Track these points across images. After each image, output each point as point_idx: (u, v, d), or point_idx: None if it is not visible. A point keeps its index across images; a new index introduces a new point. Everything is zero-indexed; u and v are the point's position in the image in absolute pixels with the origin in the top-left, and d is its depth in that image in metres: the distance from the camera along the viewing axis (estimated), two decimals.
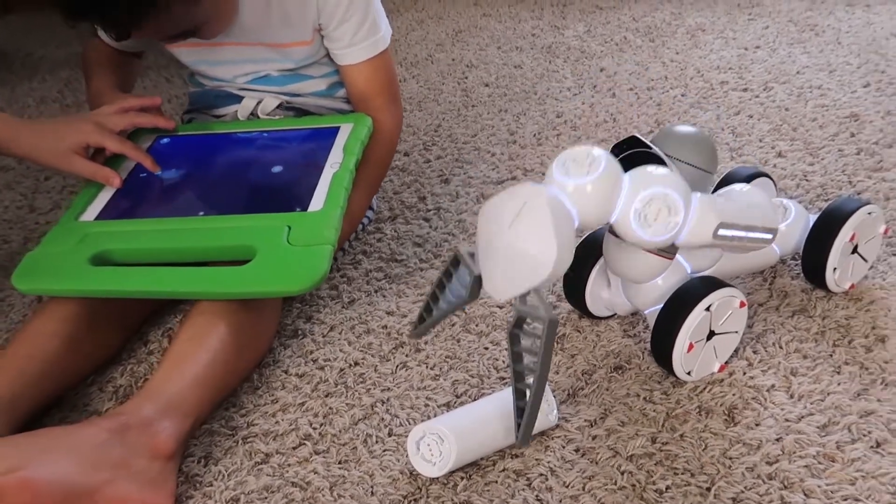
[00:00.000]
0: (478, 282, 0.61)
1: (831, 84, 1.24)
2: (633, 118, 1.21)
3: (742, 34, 1.50)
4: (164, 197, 0.86)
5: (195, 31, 0.82)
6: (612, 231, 0.68)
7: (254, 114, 0.96)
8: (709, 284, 0.67)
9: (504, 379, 0.73)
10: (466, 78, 1.45)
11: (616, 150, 0.69)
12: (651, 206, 0.60)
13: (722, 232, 0.63)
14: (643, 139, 0.67)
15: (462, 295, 0.62)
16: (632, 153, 0.67)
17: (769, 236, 0.68)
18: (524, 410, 0.58)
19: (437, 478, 0.63)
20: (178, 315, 0.87)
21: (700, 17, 1.61)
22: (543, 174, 1.07)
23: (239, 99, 0.96)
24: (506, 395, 0.64)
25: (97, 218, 0.83)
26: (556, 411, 0.66)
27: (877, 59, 1.32)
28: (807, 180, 0.99)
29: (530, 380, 0.58)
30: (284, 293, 0.74)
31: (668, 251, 0.68)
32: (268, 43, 0.89)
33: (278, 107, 0.96)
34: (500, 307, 0.81)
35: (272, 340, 0.79)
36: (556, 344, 0.76)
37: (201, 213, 0.81)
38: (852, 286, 0.78)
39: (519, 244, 0.57)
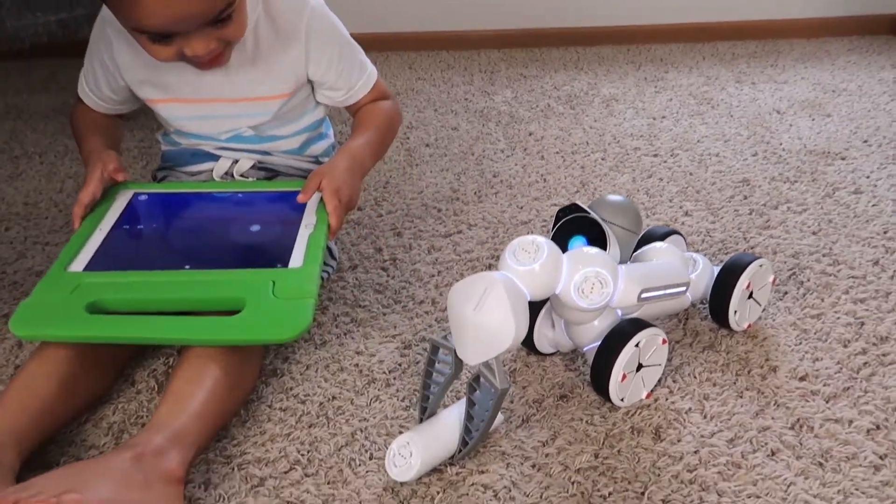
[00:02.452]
0: (458, 357, 0.74)
1: (726, 152, 1.44)
2: (561, 179, 1.37)
3: (650, 105, 1.70)
4: (148, 250, 0.93)
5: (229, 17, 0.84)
6: None
7: (228, 173, 1.06)
8: (637, 325, 0.81)
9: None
10: (408, 138, 1.58)
11: (561, 214, 0.83)
12: (587, 281, 0.74)
13: (644, 295, 0.78)
14: (583, 206, 0.81)
15: (448, 372, 0.75)
16: (574, 217, 0.82)
17: (683, 289, 0.83)
18: (467, 443, 0.74)
19: (416, 490, 0.73)
20: (160, 358, 0.94)
21: (613, 88, 1.81)
22: (486, 228, 1.21)
23: (214, 157, 1.06)
24: (459, 407, 0.77)
25: (86, 269, 0.89)
26: (501, 416, 0.80)
27: (762, 131, 1.53)
28: (710, 236, 1.16)
29: (479, 423, 0.72)
30: (274, 341, 0.83)
31: None
32: (249, 97, 0.99)
33: (251, 167, 1.06)
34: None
35: (256, 379, 0.88)
36: (508, 377, 0.88)
37: (187, 267, 0.89)
38: (749, 326, 0.94)
39: (484, 323, 0.70)
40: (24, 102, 1.90)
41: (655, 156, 1.45)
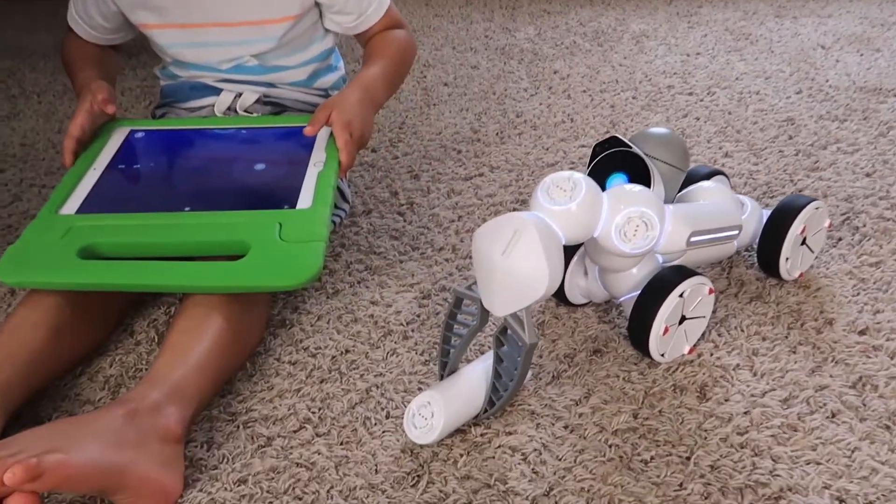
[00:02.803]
0: (485, 308, 0.66)
1: (768, 90, 1.34)
2: (589, 119, 1.27)
3: (683, 41, 1.59)
4: (145, 191, 0.87)
5: None
6: None
7: (231, 108, 0.98)
8: (681, 273, 0.73)
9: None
10: (425, 77, 1.48)
11: (598, 149, 0.74)
12: (630, 223, 0.66)
13: (694, 239, 0.70)
14: (623, 139, 0.73)
15: (473, 324, 0.68)
16: (612, 152, 0.73)
17: (735, 233, 0.75)
18: (494, 403, 0.67)
19: (437, 452, 0.67)
20: (161, 307, 0.88)
21: (643, 24, 1.70)
22: (509, 170, 1.13)
23: (215, 91, 0.97)
24: (484, 362, 0.70)
25: (79, 211, 0.82)
26: (529, 371, 0.73)
27: (806, 67, 1.42)
28: (753, 179, 1.07)
29: (508, 382, 0.66)
30: (281, 288, 0.76)
31: None
32: (250, 21, 0.90)
33: (256, 101, 0.97)
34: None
35: (264, 330, 0.82)
36: (537, 330, 0.81)
37: (187, 209, 0.82)
38: (801, 275, 0.85)
39: (514, 270, 0.62)
40: (23, 41, 1.82)
41: (691, 94, 1.35)
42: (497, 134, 1.24)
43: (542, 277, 0.61)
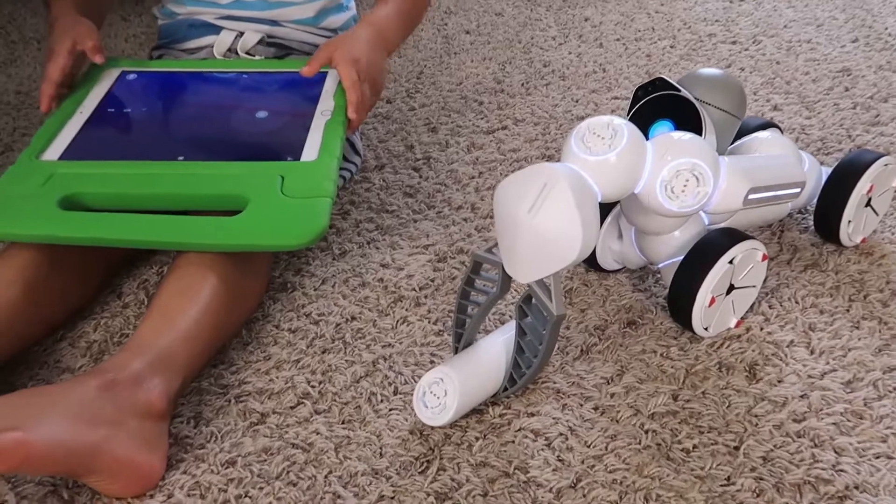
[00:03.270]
0: (507, 274, 0.58)
1: (820, 38, 1.23)
2: (622, 69, 1.17)
3: None
4: (135, 137, 0.81)
5: None
6: None
7: (232, 50, 0.89)
8: (732, 236, 0.64)
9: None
10: (446, 24, 1.38)
11: (640, 92, 0.65)
12: (679, 177, 0.57)
13: (752, 196, 0.61)
14: (671, 81, 0.63)
15: (493, 292, 0.60)
16: (657, 96, 0.64)
17: (797, 190, 0.66)
18: (516, 381, 0.60)
19: (450, 434, 0.59)
20: (153, 266, 0.81)
21: None
22: (535, 123, 1.04)
23: (215, 30, 0.89)
24: (504, 334, 0.62)
25: (62, 157, 0.75)
26: None
27: (862, 14, 1.30)
28: (806, 133, 0.97)
29: (531, 357, 0.59)
30: (281, 247, 0.69)
31: None
32: None
33: (258, 42, 0.89)
34: None
35: (262, 294, 0.74)
36: (565, 298, 0.72)
37: (180, 158, 0.75)
38: (864, 240, 0.76)
39: (542, 230, 0.54)
40: None
41: (734, 43, 1.24)
42: (522, 85, 1.15)
43: (574, 239, 0.53)
